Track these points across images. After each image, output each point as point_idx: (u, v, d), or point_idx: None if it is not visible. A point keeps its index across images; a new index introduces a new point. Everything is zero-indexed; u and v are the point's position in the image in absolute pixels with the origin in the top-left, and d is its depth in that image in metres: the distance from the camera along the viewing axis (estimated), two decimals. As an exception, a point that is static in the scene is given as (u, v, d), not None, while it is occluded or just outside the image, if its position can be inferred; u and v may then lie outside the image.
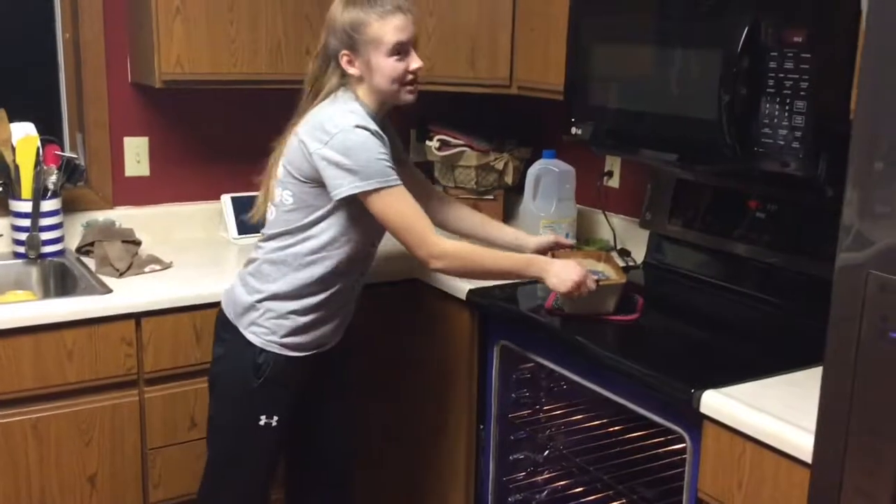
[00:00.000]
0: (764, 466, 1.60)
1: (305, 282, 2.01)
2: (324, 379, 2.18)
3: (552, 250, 2.26)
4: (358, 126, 1.91)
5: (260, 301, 2.02)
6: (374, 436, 2.59)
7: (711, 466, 1.71)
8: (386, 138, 1.98)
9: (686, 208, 2.45)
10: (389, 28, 1.94)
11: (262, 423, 2.03)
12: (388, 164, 1.92)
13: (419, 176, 2.35)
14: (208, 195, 2.87)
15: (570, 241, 2.31)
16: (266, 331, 2.02)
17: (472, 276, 2.13)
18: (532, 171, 2.74)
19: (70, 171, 2.57)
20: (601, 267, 2.24)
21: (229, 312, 2.07)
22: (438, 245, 1.95)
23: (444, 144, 2.99)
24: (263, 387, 2.02)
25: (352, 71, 1.98)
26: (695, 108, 2.00)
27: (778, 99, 1.80)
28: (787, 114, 1.79)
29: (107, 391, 2.23)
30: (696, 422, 1.73)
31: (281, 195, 2.02)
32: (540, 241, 2.29)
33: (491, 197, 3.06)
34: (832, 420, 1.33)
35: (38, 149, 2.49)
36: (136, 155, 2.77)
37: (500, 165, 2.98)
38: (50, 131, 2.63)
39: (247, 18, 2.51)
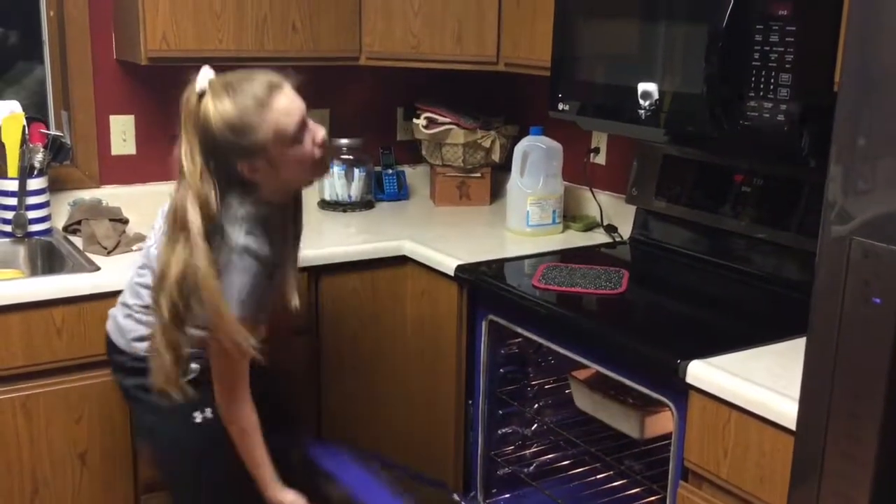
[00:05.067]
0: (749, 434, 1.62)
1: None
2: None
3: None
4: (257, 250, 1.72)
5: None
6: (361, 411, 2.60)
7: (697, 436, 1.73)
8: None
9: (672, 184, 2.47)
10: (278, 119, 1.69)
11: (198, 420, 1.88)
12: (262, 298, 1.75)
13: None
14: (195, 174, 2.86)
15: None
16: None
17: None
18: (519, 148, 2.75)
19: (56, 149, 2.55)
20: None
21: (119, 341, 1.95)
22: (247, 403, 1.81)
23: (431, 122, 2.99)
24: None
25: (256, 178, 1.74)
26: (681, 82, 2.01)
27: (763, 72, 1.81)
28: (771, 87, 1.80)
29: (96, 368, 2.21)
30: (683, 392, 1.75)
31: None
32: None
33: (478, 175, 3.07)
34: (816, 386, 1.36)
35: (23, 127, 2.48)
36: (123, 133, 2.75)
37: (487, 143, 2.99)
38: (35, 109, 2.62)
39: (232, -6, 2.50)
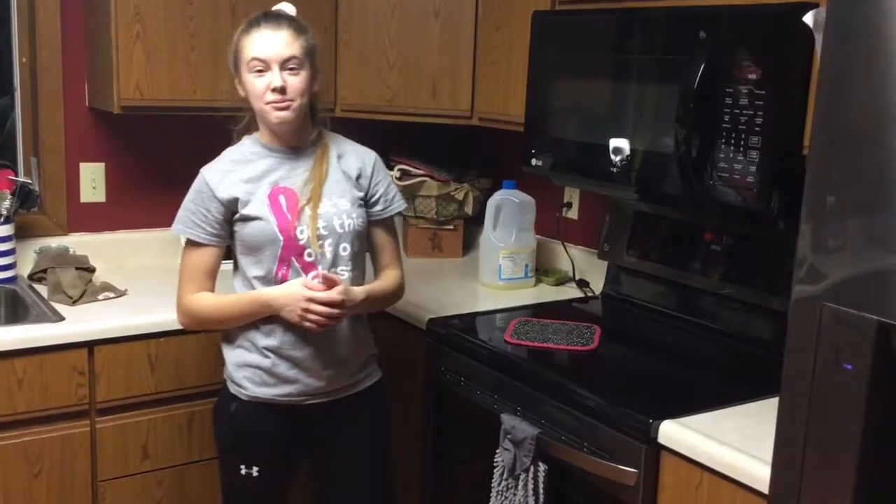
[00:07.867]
0: (721, 497, 1.61)
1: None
2: (314, 437, 2.05)
3: None
4: (202, 172, 1.97)
5: (226, 346, 2.01)
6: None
7: (669, 497, 1.72)
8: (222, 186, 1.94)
9: (643, 240, 2.48)
10: (248, 44, 1.88)
11: (242, 472, 1.99)
12: (192, 214, 1.94)
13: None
14: (165, 222, 2.81)
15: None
16: (233, 382, 1.99)
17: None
18: (492, 201, 2.76)
19: (24, 196, 2.52)
20: None
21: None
22: (181, 301, 1.97)
23: (404, 174, 3.00)
24: (239, 437, 1.99)
25: (241, 92, 1.95)
26: (652, 141, 2.04)
27: (733, 134, 1.84)
28: (741, 148, 1.82)
29: (57, 421, 2.17)
30: (654, 452, 1.74)
31: None
32: None
33: (451, 227, 3.07)
34: (788, 450, 1.35)
35: (-10, 173, 2.45)
36: (92, 181, 2.73)
37: (460, 195, 3.00)
38: (4, 156, 2.59)
39: (208, 45, 2.50)
